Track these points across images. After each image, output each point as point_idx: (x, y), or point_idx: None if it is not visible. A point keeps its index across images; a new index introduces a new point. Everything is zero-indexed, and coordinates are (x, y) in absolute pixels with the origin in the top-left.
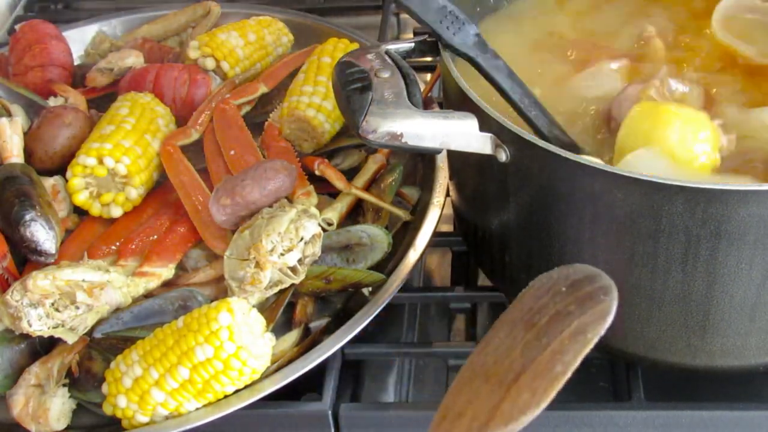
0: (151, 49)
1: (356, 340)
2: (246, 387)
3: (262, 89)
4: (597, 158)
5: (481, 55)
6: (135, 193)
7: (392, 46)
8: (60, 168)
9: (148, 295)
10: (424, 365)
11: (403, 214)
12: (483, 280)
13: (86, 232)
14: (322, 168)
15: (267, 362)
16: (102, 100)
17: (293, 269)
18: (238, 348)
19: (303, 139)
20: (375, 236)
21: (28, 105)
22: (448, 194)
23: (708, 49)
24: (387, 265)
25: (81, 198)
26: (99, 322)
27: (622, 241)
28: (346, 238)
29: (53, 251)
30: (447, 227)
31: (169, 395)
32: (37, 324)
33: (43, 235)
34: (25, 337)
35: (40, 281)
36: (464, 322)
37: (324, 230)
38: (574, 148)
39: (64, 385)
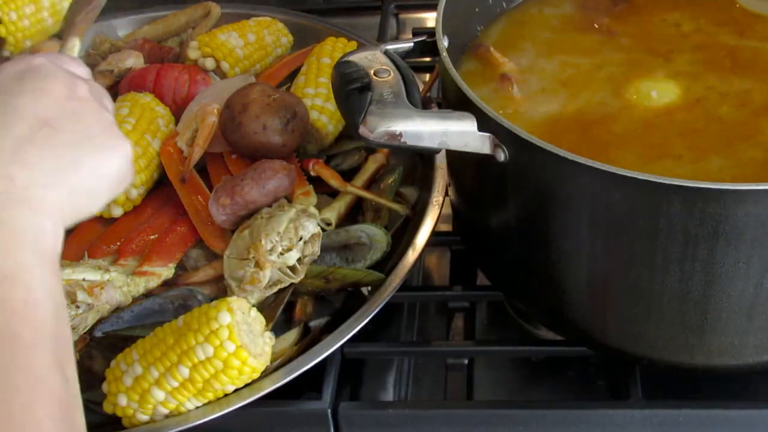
0: (152, 50)
1: (355, 339)
2: (246, 386)
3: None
4: None
5: None
6: (135, 192)
7: (391, 47)
8: None
9: (148, 294)
10: (423, 364)
11: (401, 209)
12: (482, 279)
13: (86, 232)
14: (317, 168)
15: (267, 361)
16: None
17: (293, 268)
18: (238, 347)
19: (306, 141)
20: (374, 236)
21: None
22: (447, 194)
23: None
24: (386, 264)
25: None
26: (99, 321)
27: (620, 241)
28: (345, 237)
29: None
30: (446, 227)
31: (170, 394)
32: None
33: None
34: None
35: None
36: (463, 321)
37: (323, 230)
38: None
39: None
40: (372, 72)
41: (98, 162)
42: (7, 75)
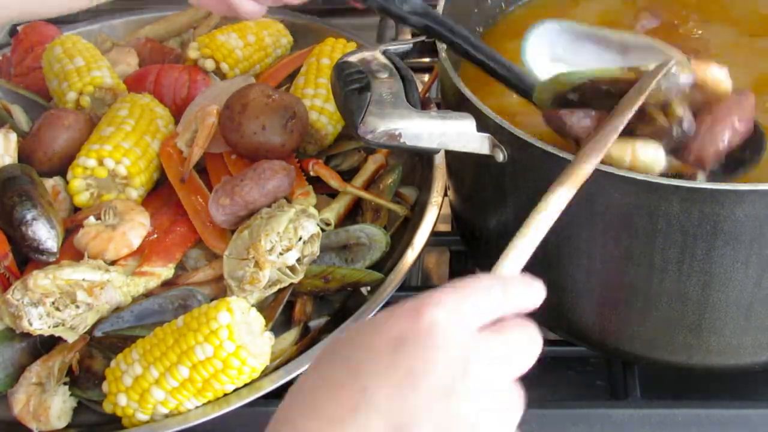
0: (153, 50)
1: None
2: (245, 385)
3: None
4: None
5: (432, 21)
6: (135, 194)
7: (390, 47)
8: (59, 170)
9: (148, 294)
10: None
11: (400, 210)
12: None
13: None
14: (316, 168)
15: (266, 361)
16: None
17: (292, 268)
18: (238, 347)
19: (306, 141)
20: (373, 236)
21: (29, 106)
22: (446, 194)
23: None
24: (385, 264)
25: (82, 199)
26: (99, 321)
27: (619, 241)
28: (344, 237)
29: (55, 249)
30: (445, 227)
31: (169, 394)
32: (38, 323)
33: (45, 233)
34: (26, 335)
35: (40, 280)
36: None
37: (322, 230)
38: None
39: (64, 384)
40: (371, 72)
41: None
42: (378, 336)
